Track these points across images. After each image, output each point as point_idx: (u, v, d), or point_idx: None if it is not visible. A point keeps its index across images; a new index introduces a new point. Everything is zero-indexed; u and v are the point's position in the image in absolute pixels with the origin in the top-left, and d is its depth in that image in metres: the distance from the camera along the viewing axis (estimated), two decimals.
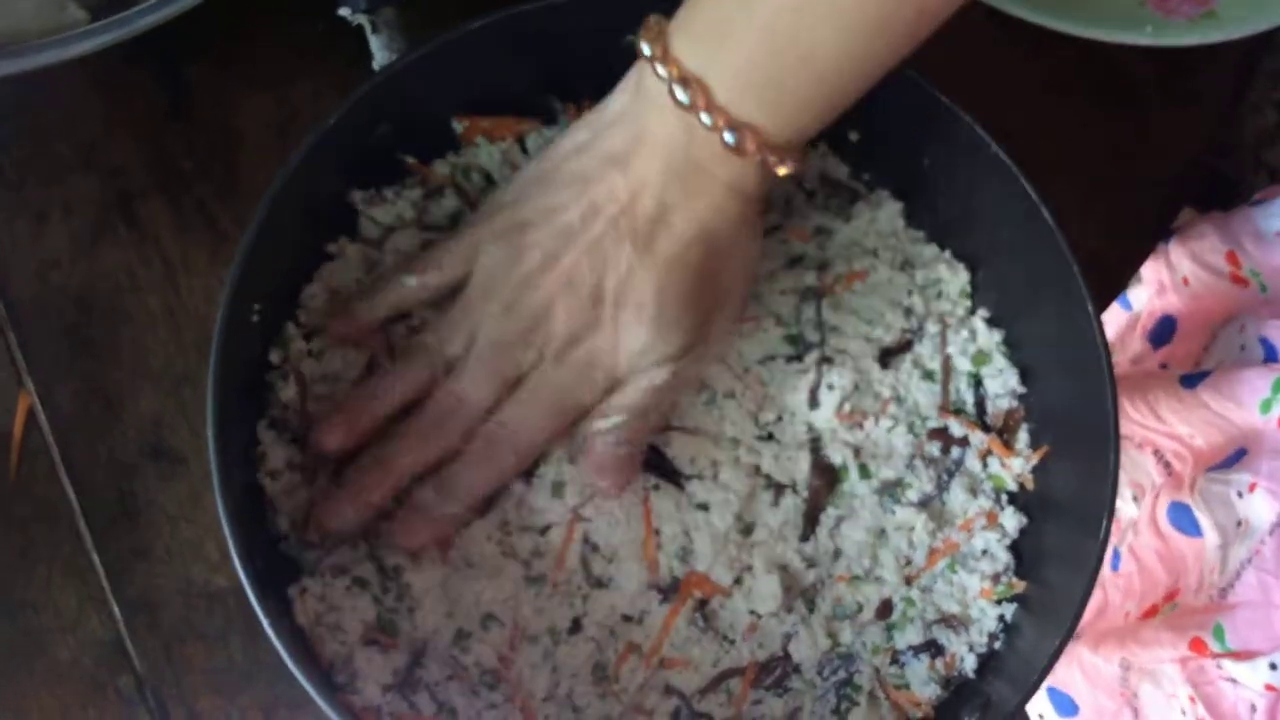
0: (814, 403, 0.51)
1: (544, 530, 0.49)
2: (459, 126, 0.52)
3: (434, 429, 0.48)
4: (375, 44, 0.53)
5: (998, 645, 0.50)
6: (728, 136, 0.44)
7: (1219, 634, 0.55)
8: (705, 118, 0.44)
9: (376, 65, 0.53)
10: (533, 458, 0.49)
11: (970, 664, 0.50)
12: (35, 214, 0.56)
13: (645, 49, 0.45)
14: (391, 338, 0.51)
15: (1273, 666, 0.53)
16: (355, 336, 0.50)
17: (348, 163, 0.50)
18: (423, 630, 0.48)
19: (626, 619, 0.50)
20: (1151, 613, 0.60)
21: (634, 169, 0.46)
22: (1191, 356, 0.65)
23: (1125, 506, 0.62)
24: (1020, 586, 0.50)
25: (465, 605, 0.49)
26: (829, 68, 0.44)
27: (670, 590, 0.50)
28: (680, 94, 0.44)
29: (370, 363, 0.50)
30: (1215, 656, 0.55)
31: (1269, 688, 0.53)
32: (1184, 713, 0.58)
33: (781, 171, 0.45)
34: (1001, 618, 0.51)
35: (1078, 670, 0.62)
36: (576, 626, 0.49)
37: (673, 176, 0.46)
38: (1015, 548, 0.52)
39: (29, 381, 0.55)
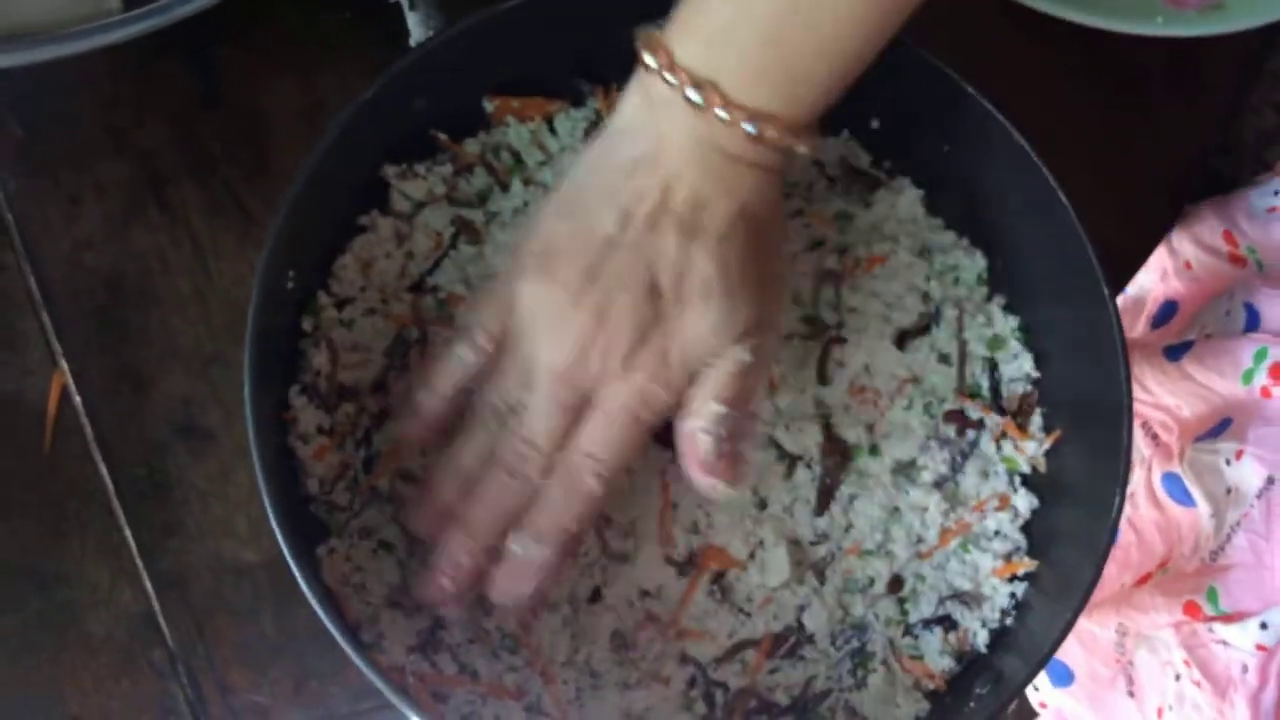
0: (823, 378, 0.53)
1: None
2: (489, 106, 0.54)
3: (509, 478, 0.47)
4: (412, 20, 0.55)
5: (1009, 621, 0.52)
6: (748, 127, 0.45)
7: (1212, 597, 0.57)
8: (722, 113, 0.44)
9: (413, 41, 0.55)
10: (621, 477, 0.48)
11: (983, 639, 0.52)
12: (68, 197, 0.58)
13: (649, 60, 0.45)
14: (420, 311, 0.53)
15: (1263, 626, 0.55)
16: (428, 430, 0.49)
17: (383, 136, 0.52)
18: None
19: (645, 593, 0.52)
20: (1144, 580, 0.62)
21: (661, 167, 0.46)
22: (1183, 332, 0.67)
23: None
24: (1031, 566, 0.52)
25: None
26: (832, 46, 0.45)
27: (686, 564, 0.52)
28: (694, 96, 0.44)
29: (398, 334, 0.52)
30: (1208, 620, 0.57)
31: (1260, 647, 0.55)
32: (1178, 677, 0.59)
33: (801, 150, 0.46)
34: (1013, 595, 0.53)
35: (1073, 638, 0.64)
36: (596, 596, 0.51)
37: (703, 167, 0.46)
38: (1026, 528, 0.53)
39: (62, 361, 0.57)
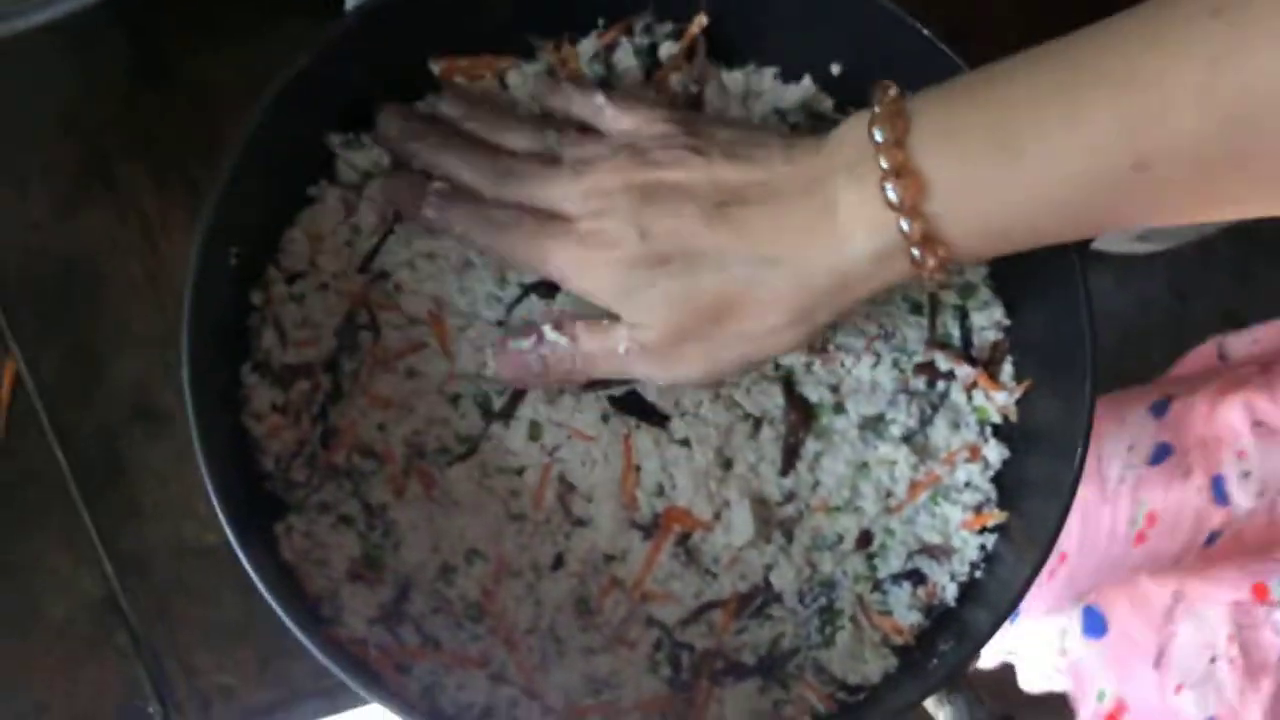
0: None
1: (520, 472, 0.53)
2: (436, 68, 0.55)
3: (493, 172, 0.51)
4: None
5: (978, 574, 0.54)
6: (914, 252, 0.45)
7: None
8: (917, 256, 0.45)
9: (349, 5, 0.56)
10: (509, 267, 0.53)
11: (951, 593, 0.54)
12: (15, 180, 0.59)
13: (892, 194, 0.44)
14: (369, 295, 0.54)
15: None
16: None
17: (324, 106, 0.54)
18: (408, 565, 0.52)
19: (609, 558, 0.53)
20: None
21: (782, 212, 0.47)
22: None
23: None
24: (1001, 517, 0.54)
25: (449, 541, 0.53)
26: (1046, 234, 0.45)
27: (650, 527, 0.53)
28: (916, 253, 0.45)
29: (349, 314, 0.54)
30: (1273, 604, 0.58)
31: None
32: (1214, 660, 0.60)
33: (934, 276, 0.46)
34: (982, 547, 0.54)
35: (1125, 596, 0.65)
36: (559, 562, 0.53)
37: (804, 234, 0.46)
38: (997, 478, 0.55)
39: (13, 346, 0.59)
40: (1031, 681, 0.80)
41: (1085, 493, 0.73)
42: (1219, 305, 1.38)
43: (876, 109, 0.45)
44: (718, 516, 0.54)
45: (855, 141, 0.45)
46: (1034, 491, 0.53)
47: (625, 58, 0.56)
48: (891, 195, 0.44)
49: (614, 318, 0.50)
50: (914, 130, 0.44)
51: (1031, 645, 0.77)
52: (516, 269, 0.53)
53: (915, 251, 0.45)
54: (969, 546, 0.54)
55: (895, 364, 0.55)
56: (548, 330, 0.51)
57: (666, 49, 0.56)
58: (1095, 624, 0.67)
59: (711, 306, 0.48)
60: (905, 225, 0.44)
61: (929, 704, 0.50)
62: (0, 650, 0.58)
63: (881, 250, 0.45)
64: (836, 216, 0.46)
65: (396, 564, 0.52)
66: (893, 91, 0.45)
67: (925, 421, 0.55)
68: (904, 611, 0.54)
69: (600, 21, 0.56)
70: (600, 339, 0.50)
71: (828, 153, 0.47)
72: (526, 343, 0.51)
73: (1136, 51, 0.41)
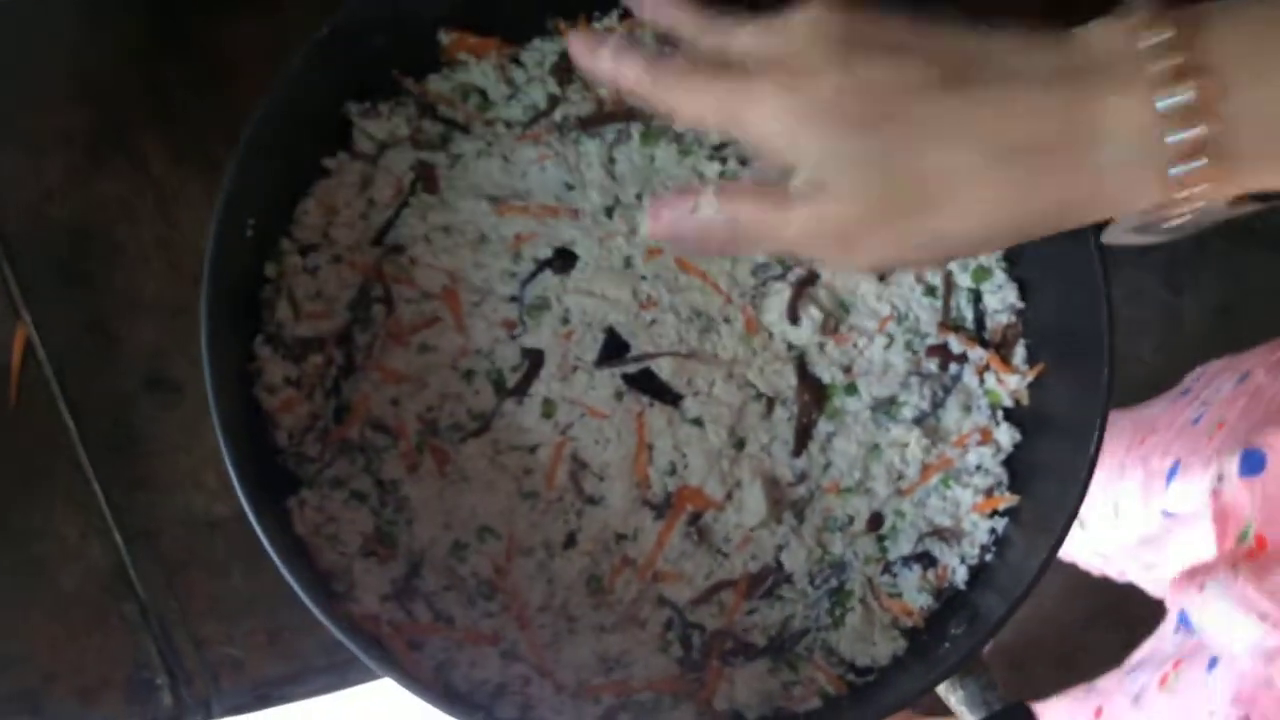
0: (794, 319, 0.54)
1: (533, 449, 0.53)
2: (445, 39, 0.55)
3: (703, 18, 0.43)
4: None
5: (988, 557, 0.54)
6: (1175, 170, 0.39)
7: None
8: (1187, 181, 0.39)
9: None
10: (681, 123, 0.49)
11: (961, 575, 0.54)
12: (29, 146, 0.59)
13: (1176, 97, 0.38)
14: (383, 268, 0.54)
15: None
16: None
17: (343, 77, 0.53)
18: (420, 541, 0.52)
19: (620, 537, 0.53)
20: None
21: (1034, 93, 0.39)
22: None
23: None
24: (1012, 501, 0.54)
25: (462, 518, 0.53)
26: None
27: (662, 506, 0.53)
28: (1181, 170, 0.38)
29: (362, 287, 0.54)
30: None
31: None
32: None
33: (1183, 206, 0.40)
34: (993, 530, 0.54)
35: None
36: (571, 541, 0.53)
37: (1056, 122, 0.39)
38: (1008, 462, 0.55)
39: (25, 314, 0.59)
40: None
41: (1265, 380, 0.72)
42: (1212, 299, 1.39)
43: (1143, 12, 0.39)
44: (729, 496, 0.54)
45: (1111, 41, 0.40)
46: (1046, 475, 0.53)
47: (646, 40, 0.56)
48: (1173, 99, 0.38)
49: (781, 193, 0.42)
50: (1203, 33, 0.39)
51: (1189, 506, 0.76)
52: (686, 123, 0.46)
53: (1177, 169, 0.39)
54: (979, 530, 0.54)
55: (908, 345, 0.55)
56: (705, 198, 0.44)
57: None
58: (1254, 463, 0.66)
59: (920, 190, 0.40)
60: (1178, 135, 0.38)
61: (940, 687, 0.50)
62: (8, 620, 0.58)
63: (1134, 161, 0.39)
64: (1087, 115, 0.39)
65: (409, 540, 0.53)
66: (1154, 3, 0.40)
67: (937, 404, 0.55)
68: (914, 594, 0.54)
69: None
70: (766, 214, 0.42)
71: (1073, 50, 0.40)
72: (684, 207, 0.44)
73: None
